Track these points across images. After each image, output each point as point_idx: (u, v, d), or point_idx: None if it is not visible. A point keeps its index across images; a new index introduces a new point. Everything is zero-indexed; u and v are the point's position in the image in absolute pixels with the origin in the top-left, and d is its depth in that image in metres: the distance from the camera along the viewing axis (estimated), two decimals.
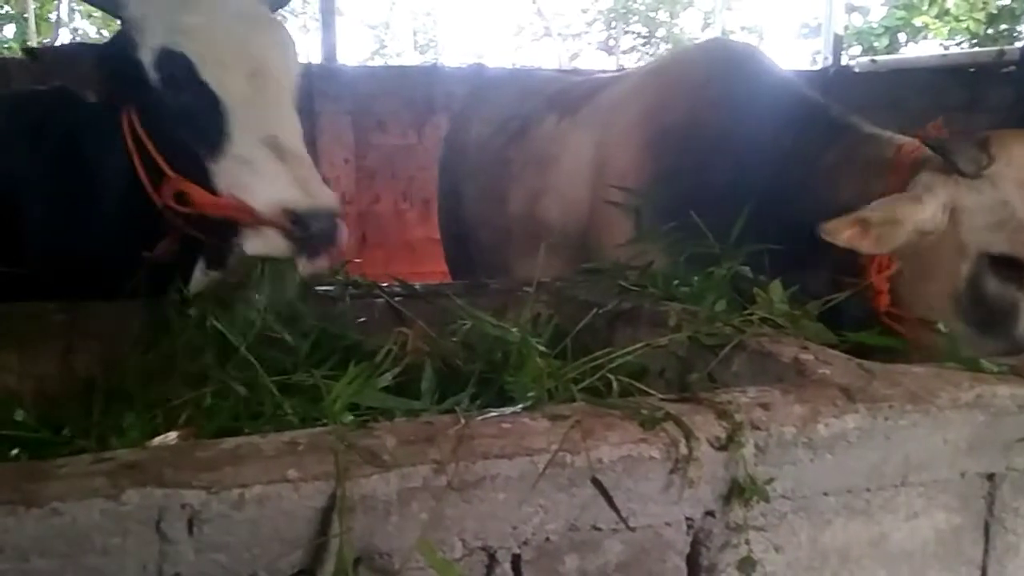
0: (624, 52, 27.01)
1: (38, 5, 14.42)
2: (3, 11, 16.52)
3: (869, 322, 2.32)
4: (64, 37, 17.54)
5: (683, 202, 2.54)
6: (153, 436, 1.51)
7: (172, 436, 1.48)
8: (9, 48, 15.03)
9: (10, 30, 16.65)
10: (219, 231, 2.09)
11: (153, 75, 2.14)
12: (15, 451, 1.53)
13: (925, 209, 2.31)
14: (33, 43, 13.52)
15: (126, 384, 1.82)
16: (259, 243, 1.99)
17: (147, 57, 2.14)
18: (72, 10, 16.97)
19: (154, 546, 1.17)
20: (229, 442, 1.31)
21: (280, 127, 2.08)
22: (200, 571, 1.20)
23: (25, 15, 14.61)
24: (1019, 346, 2.14)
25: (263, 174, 2.00)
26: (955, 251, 2.32)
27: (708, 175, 2.78)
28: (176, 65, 2.10)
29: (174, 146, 2.15)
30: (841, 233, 2.28)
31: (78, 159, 2.45)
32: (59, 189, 2.51)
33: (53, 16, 16.74)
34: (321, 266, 2.07)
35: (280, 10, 2.60)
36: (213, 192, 2.06)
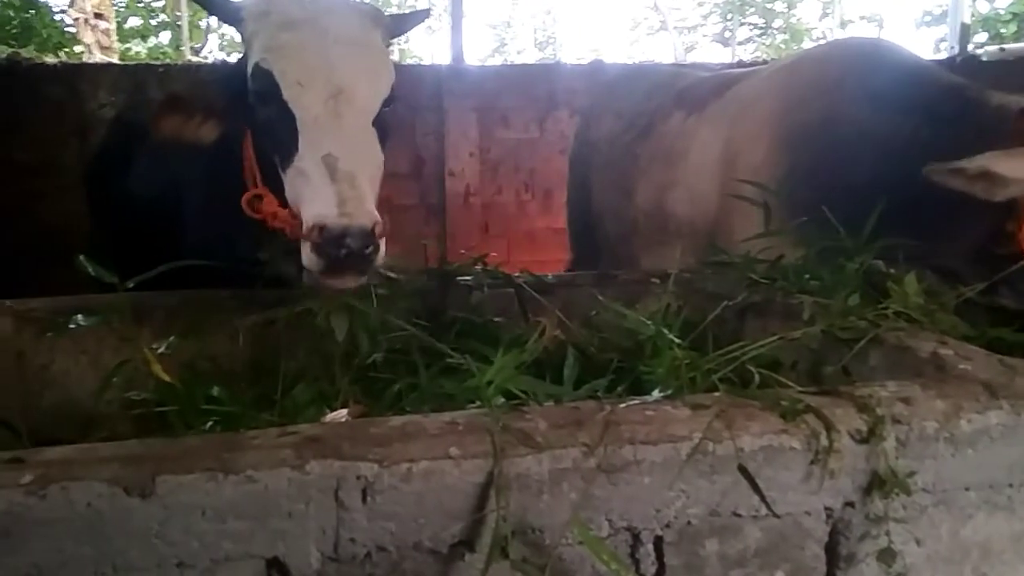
0: (740, 43, 26.67)
1: (191, 13, 15.05)
2: (159, 19, 17.36)
3: None
4: (213, 43, 18.33)
5: (820, 199, 2.54)
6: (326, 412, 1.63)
7: (343, 413, 1.60)
8: (164, 54, 15.78)
9: (165, 37, 17.51)
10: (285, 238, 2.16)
11: (250, 89, 2.24)
12: (209, 423, 1.68)
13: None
14: (186, 49, 14.18)
15: (295, 365, 1.95)
16: (302, 256, 2.03)
17: (249, 73, 2.24)
18: None
19: (332, 513, 1.28)
20: (397, 420, 1.42)
21: (343, 147, 2.07)
22: (372, 538, 1.30)
23: (179, 23, 15.28)
24: None
25: (311, 191, 2.04)
26: None
27: (847, 172, 2.77)
28: (264, 81, 2.18)
29: (263, 158, 2.26)
30: (942, 176, 2.37)
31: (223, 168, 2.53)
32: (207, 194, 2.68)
33: (204, 23, 17.48)
34: (349, 283, 2.04)
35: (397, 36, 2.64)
36: (285, 204, 2.15)
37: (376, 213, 2.01)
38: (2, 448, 1.34)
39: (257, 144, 2.30)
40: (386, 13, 2.58)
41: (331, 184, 2.00)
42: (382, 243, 2.02)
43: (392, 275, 2.39)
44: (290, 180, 2.14)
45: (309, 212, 2.01)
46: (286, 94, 2.15)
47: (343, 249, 1.93)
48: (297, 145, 2.12)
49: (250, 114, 2.27)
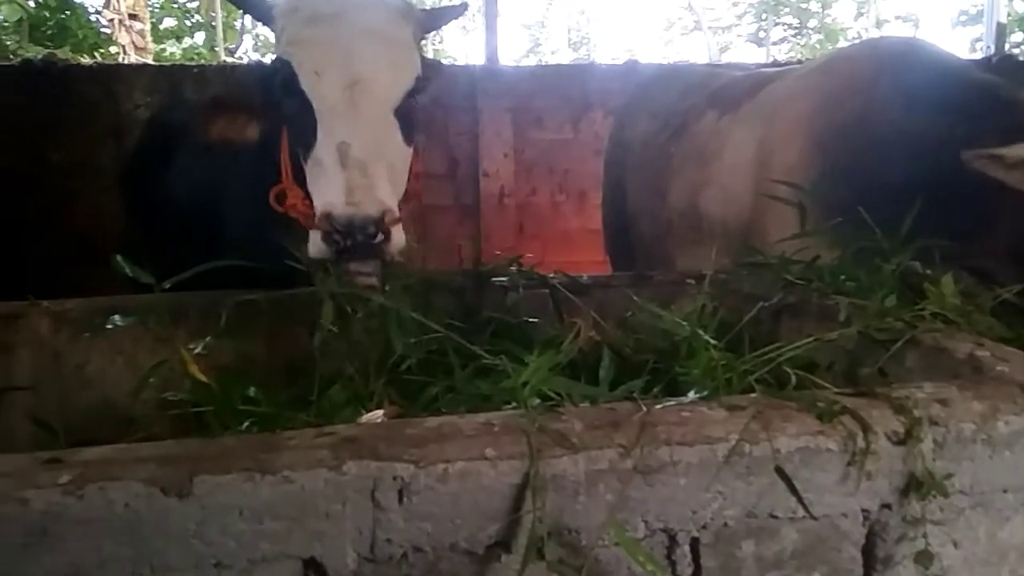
0: (774, 44, 26.54)
1: (225, 13, 15.22)
2: (194, 20, 17.58)
3: None
4: (247, 43, 18.52)
5: (855, 199, 2.52)
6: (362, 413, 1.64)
7: (379, 414, 1.61)
8: (199, 55, 15.98)
9: (200, 37, 17.74)
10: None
11: (275, 82, 2.27)
12: (246, 423, 1.69)
13: None
14: (221, 49, 14.37)
15: (330, 365, 1.97)
16: (310, 245, 2.07)
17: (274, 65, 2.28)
18: None
19: (369, 513, 1.28)
20: (433, 421, 1.42)
21: (358, 136, 2.09)
22: (408, 539, 1.31)
23: (213, 23, 15.45)
24: None
25: (324, 180, 2.08)
26: None
27: (881, 172, 2.75)
28: (284, 72, 2.22)
29: (293, 152, 2.29)
30: (981, 162, 2.38)
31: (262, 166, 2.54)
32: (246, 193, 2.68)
33: (239, 24, 17.65)
34: (363, 269, 2.07)
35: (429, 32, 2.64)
36: (308, 194, 2.18)
37: (387, 201, 2.03)
38: (40, 448, 1.36)
39: (288, 139, 2.33)
40: (421, 9, 2.59)
41: (342, 172, 2.03)
42: (396, 231, 2.04)
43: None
44: (309, 170, 2.18)
45: (320, 201, 2.06)
46: (303, 83, 2.19)
47: (349, 238, 1.97)
48: (316, 135, 2.15)
49: (279, 109, 2.31)
